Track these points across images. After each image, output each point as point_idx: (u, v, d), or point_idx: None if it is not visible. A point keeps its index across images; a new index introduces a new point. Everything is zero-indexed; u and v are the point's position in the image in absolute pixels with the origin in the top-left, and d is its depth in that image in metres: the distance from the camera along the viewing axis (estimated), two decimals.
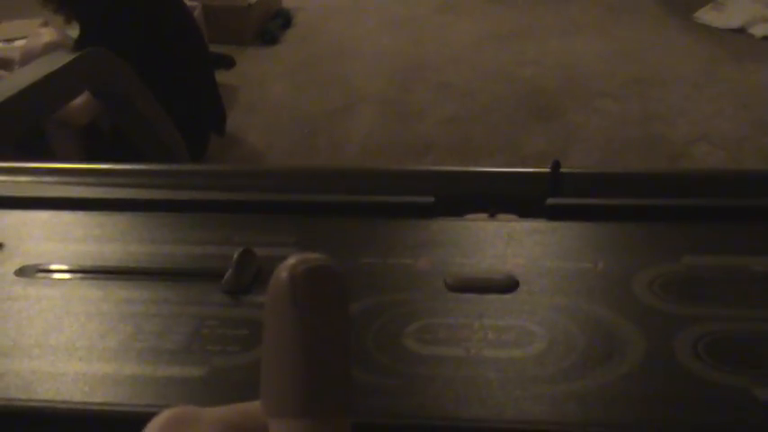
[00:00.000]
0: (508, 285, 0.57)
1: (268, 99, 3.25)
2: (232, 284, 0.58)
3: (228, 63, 3.44)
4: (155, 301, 0.58)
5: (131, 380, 0.51)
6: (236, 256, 0.59)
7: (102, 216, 0.69)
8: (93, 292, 0.59)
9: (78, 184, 0.77)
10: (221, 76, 3.06)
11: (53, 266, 0.62)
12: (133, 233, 0.67)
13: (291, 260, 0.29)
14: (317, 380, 0.29)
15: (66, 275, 0.62)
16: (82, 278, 0.61)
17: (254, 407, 0.32)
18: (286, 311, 0.29)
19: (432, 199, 0.68)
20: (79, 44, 2.33)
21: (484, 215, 0.69)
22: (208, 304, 0.57)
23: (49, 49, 2.24)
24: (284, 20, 3.83)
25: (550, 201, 0.67)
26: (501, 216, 0.68)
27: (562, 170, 0.72)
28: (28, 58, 2.21)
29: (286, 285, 0.29)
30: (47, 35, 2.45)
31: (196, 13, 3.19)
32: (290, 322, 0.29)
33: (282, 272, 0.29)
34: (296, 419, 0.29)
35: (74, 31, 2.49)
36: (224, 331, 0.55)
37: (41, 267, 0.62)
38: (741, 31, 3.47)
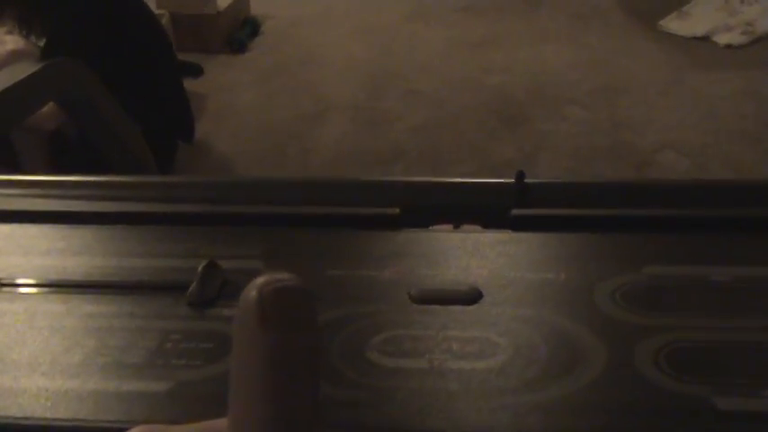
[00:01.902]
0: (472, 297, 0.57)
1: (237, 107, 3.24)
2: (197, 297, 0.58)
3: (197, 71, 3.43)
4: (119, 315, 0.58)
5: (95, 395, 0.51)
6: (200, 268, 0.59)
7: (66, 229, 0.68)
8: (56, 306, 0.59)
9: (42, 196, 0.76)
10: (189, 85, 3.05)
11: (16, 280, 0.62)
12: (98, 246, 0.66)
13: (260, 279, 0.29)
14: (286, 402, 0.29)
15: (30, 289, 0.61)
16: (45, 292, 0.61)
17: (221, 424, 0.32)
18: (254, 332, 0.29)
19: (397, 210, 0.68)
20: (46, 53, 2.31)
21: (449, 226, 0.69)
22: (172, 318, 0.57)
23: (15, 57, 2.22)
24: (253, 28, 3.82)
25: (515, 211, 0.68)
26: (465, 227, 0.69)
27: (526, 181, 0.72)
28: None
29: (254, 305, 0.29)
30: (11, 43, 2.42)
31: (164, 21, 3.18)
32: (259, 343, 0.29)
33: (251, 291, 0.29)
34: None
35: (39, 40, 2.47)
36: (189, 345, 0.54)
37: (4, 281, 0.62)
38: (705, 39, 3.52)
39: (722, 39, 3.48)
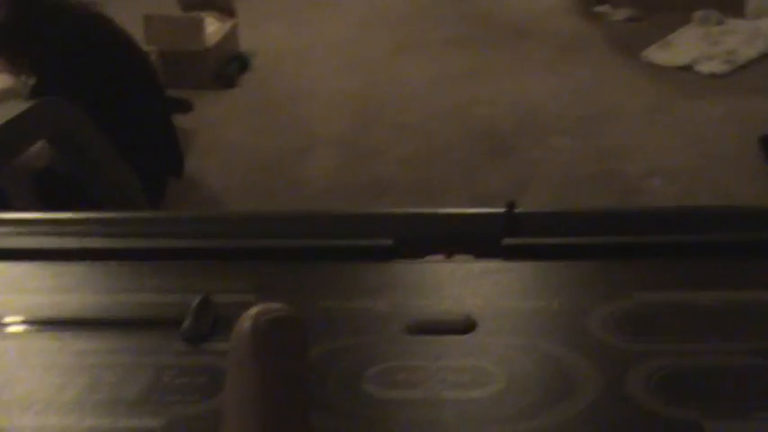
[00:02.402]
0: (466, 326, 0.57)
1: (226, 142, 3.24)
2: (190, 333, 0.58)
3: (186, 107, 3.43)
4: (112, 352, 0.57)
5: None
6: (194, 304, 0.59)
7: (57, 266, 0.68)
8: (49, 343, 0.59)
9: (32, 234, 0.76)
10: (179, 120, 3.05)
11: (8, 319, 0.62)
12: (89, 283, 0.66)
13: (254, 310, 0.30)
14: (278, 427, 0.29)
15: (22, 327, 0.61)
16: (38, 330, 0.61)
17: None
18: (248, 361, 0.29)
19: (389, 242, 0.68)
20: (35, 91, 2.32)
21: (441, 257, 0.69)
22: (166, 353, 0.57)
23: (4, 96, 2.22)
24: (241, 64, 3.84)
25: (506, 241, 0.68)
26: (458, 257, 0.69)
27: (517, 210, 0.73)
28: None
29: (249, 336, 0.29)
30: (0, 82, 2.43)
31: (153, 58, 3.19)
32: (253, 370, 0.29)
33: (245, 322, 0.30)
34: None
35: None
36: (183, 380, 0.54)
37: None
38: (688, 68, 3.55)
39: (704, 68, 3.52)
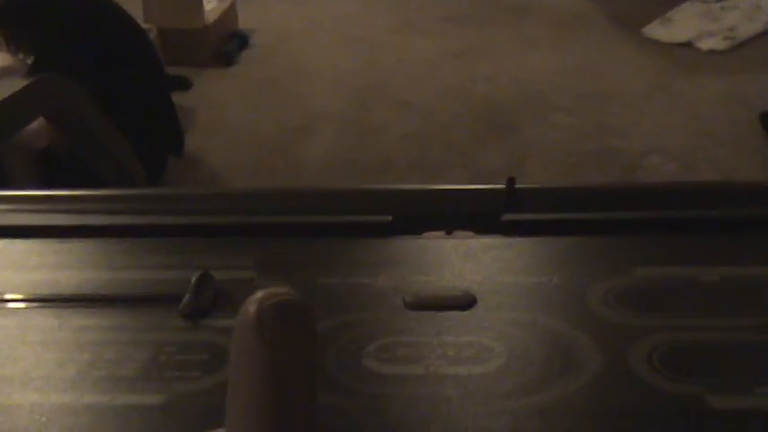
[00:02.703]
0: (466, 302, 0.57)
1: (226, 120, 3.23)
2: (190, 309, 0.58)
3: (185, 85, 3.43)
4: (112, 329, 0.58)
5: (89, 409, 0.50)
6: (193, 280, 0.59)
7: (57, 243, 0.68)
8: (49, 320, 0.59)
9: (32, 211, 0.76)
10: (178, 98, 3.04)
11: (8, 296, 0.62)
12: (89, 260, 0.66)
13: (259, 294, 0.30)
14: (284, 413, 0.29)
15: (22, 304, 0.61)
16: (38, 307, 0.61)
17: None
18: (253, 346, 0.29)
19: (389, 218, 0.68)
20: (34, 69, 2.31)
21: (441, 233, 0.69)
22: (166, 330, 0.57)
23: (3, 73, 2.22)
24: (241, 41, 3.82)
25: (506, 217, 0.68)
26: (458, 233, 0.69)
27: (517, 186, 0.72)
28: None
29: (253, 320, 0.29)
30: (0, 61, 2.42)
31: (152, 35, 3.18)
32: (257, 356, 0.29)
33: (250, 306, 0.30)
34: None
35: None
36: (183, 357, 0.54)
37: None
38: (688, 45, 3.54)
39: (704, 44, 3.50)
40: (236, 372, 0.30)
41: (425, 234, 0.69)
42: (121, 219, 0.73)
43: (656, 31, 3.64)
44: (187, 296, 0.59)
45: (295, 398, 0.30)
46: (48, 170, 2.37)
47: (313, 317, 0.30)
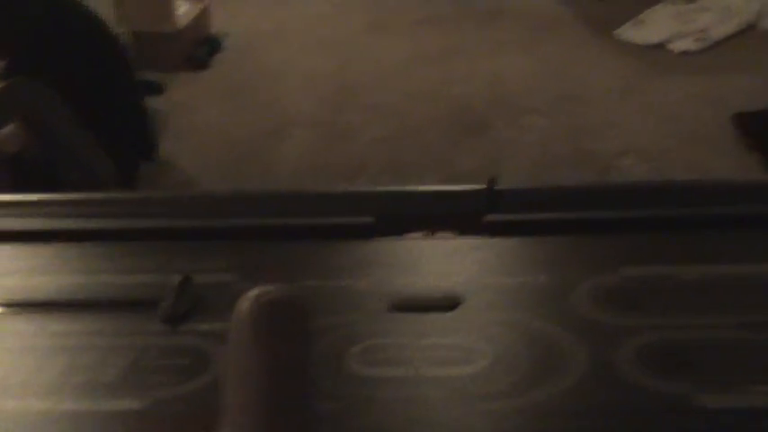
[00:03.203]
0: (450, 303, 0.57)
1: (198, 124, 3.22)
2: (169, 313, 0.57)
3: (157, 89, 3.40)
4: (90, 334, 0.57)
5: (68, 416, 0.49)
6: (172, 284, 0.58)
7: (31, 248, 0.67)
8: (25, 326, 0.58)
9: (6, 215, 0.75)
10: (150, 103, 3.02)
11: None
12: (65, 264, 0.65)
13: (254, 292, 0.29)
14: (280, 411, 0.29)
15: None
16: (13, 312, 0.60)
17: None
18: (249, 343, 0.29)
19: (371, 219, 0.68)
20: (5, 74, 2.28)
21: (423, 234, 0.69)
22: (145, 334, 0.56)
23: None
24: (213, 45, 3.80)
25: (488, 217, 0.68)
26: (440, 234, 0.69)
27: (498, 187, 0.72)
28: None
29: (248, 317, 0.29)
30: None
31: (124, 39, 3.15)
32: (252, 354, 0.29)
33: (245, 303, 0.29)
34: None
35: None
36: (163, 362, 0.54)
37: None
38: (660, 46, 3.57)
39: (677, 46, 3.54)
40: (231, 369, 0.30)
41: (407, 235, 0.69)
42: (97, 223, 0.72)
43: (628, 33, 3.67)
44: (166, 300, 0.58)
45: (292, 394, 0.29)
46: (20, 175, 2.35)
47: (308, 313, 0.30)
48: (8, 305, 0.60)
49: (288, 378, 0.29)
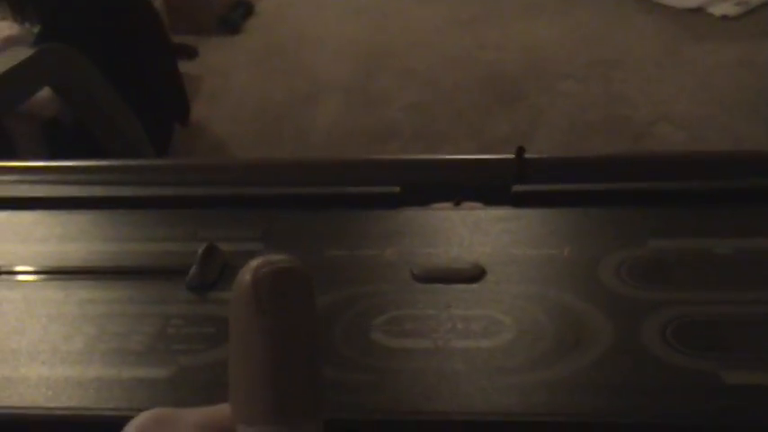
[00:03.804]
0: (475, 275, 0.57)
1: (231, 89, 3.22)
2: (197, 281, 0.58)
3: (191, 53, 3.41)
4: (118, 301, 0.57)
5: (96, 383, 0.50)
6: (200, 252, 0.59)
7: (63, 215, 0.68)
8: (55, 293, 0.58)
9: (38, 182, 0.76)
10: (184, 67, 3.03)
11: (14, 268, 0.61)
12: (95, 232, 0.66)
13: (255, 262, 0.29)
14: (285, 385, 0.29)
15: (28, 277, 0.61)
16: (44, 279, 0.60)
17: (228, 408, 0.32)
18: (250, 316, 0.29)
19: (397, 189, 0.68)
20: (39, 39, 2.30)
21: (449, 204, 0.69)
22: (173, 302, 0.57)
23: (9, 43, 2.20)
24: (246, 9, 3.79)
25: (516, 188, 0.67)
26: (466, 204, 0.68)
27: (526, 156, 0.72)
28: None
29: (249, 289, 0.29)
30: (5, 29, 2.40)
31: (157, 4, 3.16)
32: (255, 327, 0.28)
33: (246, 275, 0.29)
34: (265, 426, 0.29)
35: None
36: (190, 330, 0.54)
37: (2, 269, 0.61)
38: (699, 10, 3.49)
39: (717, 10, 3.46)
40: (234, 343, 0.30)
41: (433, 205, 0.68)
42: (128, 190, 0.72)
43: None
44: (194, 268, 0.58)
45: (297, 367, 0.29)
46: (55, 141, 2.37)
47: (311, 283, 0.30)
48: (39, 272, 0.61)
49: (294, 350, 0.29)
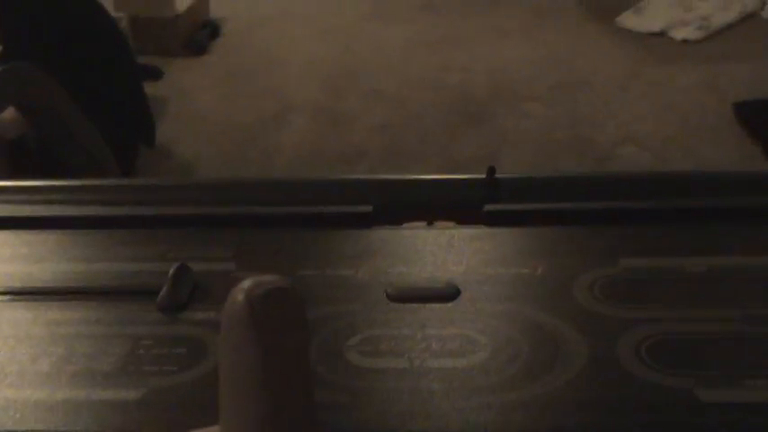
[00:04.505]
0: (449, 294, 0.56)
1: (198, 110, 3.21)
2: (168, 302, 0.57)
3: (156, 74, 3.39)
4: (87, 322, 0.56)
5: (64, 405, 0.49)
6: (171, 272, 0.58)
7: (29, 235, 0.67)
8: (22, 314, 0.57)
9: (3, 202, 0.74)
10: (150, 88, 3.01)
11: None
12: (63, 252, 0.65)
13: (246, 284, 0.29)
14: (280, 404, 0.28)
15: None
16: (10, 300, 0.59)
17: None
18: (244, 336, 0.28)
19: (369, 208, 0.67)
20: (2, 58, 2.27)
21: (422, 223, 0.69)
22: (143, 323, 0.56)
23: None
24: (212, 30, 3.79)
25: (488, 207, 0.67)
26: (439, 224, 0.68)
27: (498, 176, 0.72)
28: None
29: (243, 309, 0.28)
30: None
31: (122, 24, 3.14)
32: (249, 346, 0.28)
33: (238, 295, 0.29)
34: None
35: None
36: (160, 350, 0.53)
37: None
38: (661, 34, 3.55)
39: (678, 34, 3.52)
40: (227, 367, 0.29)
41: (406, 225, 0.68)
42: (96, 210, 0.71)
43: (629, 20, 3.66)
44: (164, 289, 0.57)
45: (291, 383, 0.29)
46: (20, 160, 2.34)
47: (303, 302, 0.29)
48: (5, 293, 0.60)
49: (290, 374, 0.29)
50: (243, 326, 0.28)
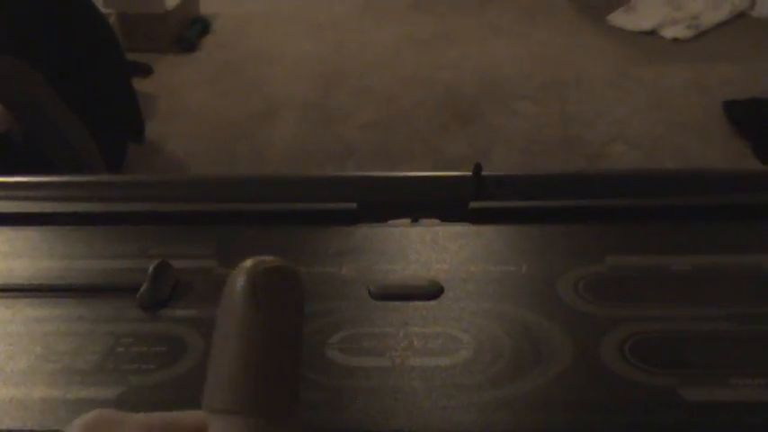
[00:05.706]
0: (433, 292, 0.56)
1: (187, 107, 3.20)
2: (148, 299, 0.56)
3: (146, 71, 3.38)
4: (66, 320, 0.55)
5: (41, 403, 0.48)
6: (151, 269, 0.57)
7: (9, 231, 0.66)
8: (1, 311, 0.57)
9: None
10: (139, 85, 3.00)
11: None
12: (43, 248, 0.64)
13: (248, 262, 0.29)
14: (274, 379, 0.29)
15: None
16: None
17: (178, 417, 0.32)
18: (244, 312, 0.28)
19: (354, 205, 0.67)
20: None
21: (407, 220, 0.68)
22: (123, 321, 0.55)
23: None
24: (202, 27, 3.77)
25: (473, 204, 0.67)
26: (424, 221, 0.68)
27: (484, 173, 0.71)
28: None
29: (245, 286, 0.28)
30: None
31: (112, 21, 3.13)
32: (248, 322, 0.28)
33: (240, 275, 0.29)
34: (248, 418, 0.28)
35: None
36: (140, 348, 0.53)
37: None
38: (652, 33, 3.56)
39: (668, 32, 3.53)
40: (221, 336, 0.29)
41: (390, 222, 0.68)
42: (78, 206, 0.70)
43: (620, 18, 3.66)
44: (145, 286, 0.57)
45: (284, 363, 0.29)
46: (5, 156, 2.33)
47: (302, 282, 0.30)
48: None
49: (284, 349, 0.29)
50: (243, 301, 0.28)
